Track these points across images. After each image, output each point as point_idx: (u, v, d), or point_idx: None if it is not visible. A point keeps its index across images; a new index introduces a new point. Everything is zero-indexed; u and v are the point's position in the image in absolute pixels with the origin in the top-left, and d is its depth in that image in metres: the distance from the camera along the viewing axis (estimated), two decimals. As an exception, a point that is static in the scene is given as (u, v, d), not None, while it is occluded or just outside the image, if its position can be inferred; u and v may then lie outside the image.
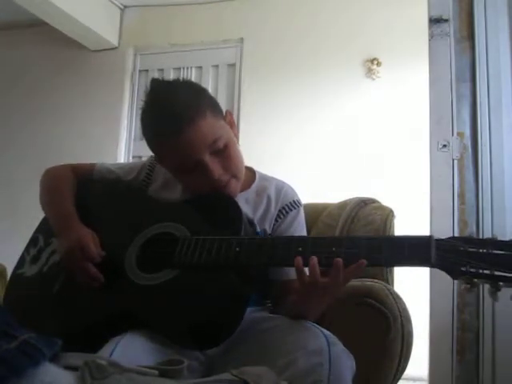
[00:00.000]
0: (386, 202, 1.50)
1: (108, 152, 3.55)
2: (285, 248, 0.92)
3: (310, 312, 0.98)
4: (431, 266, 0.82)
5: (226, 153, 1.07)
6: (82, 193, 1.21)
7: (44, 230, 1.22)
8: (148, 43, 3.75)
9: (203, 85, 1.19)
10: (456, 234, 1.71)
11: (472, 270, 0.78)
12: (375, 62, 3.23)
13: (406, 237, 0.87)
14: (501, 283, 0.77)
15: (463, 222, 1.76)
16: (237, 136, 1.15)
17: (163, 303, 0.95)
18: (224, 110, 1.14)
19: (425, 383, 1.82)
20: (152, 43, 3.74)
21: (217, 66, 3.61)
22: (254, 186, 1.19)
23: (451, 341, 1.70)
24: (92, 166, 1.27)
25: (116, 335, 0.88)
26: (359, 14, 3.30)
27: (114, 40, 3.74)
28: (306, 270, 0.90)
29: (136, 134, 3.63)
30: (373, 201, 1.49)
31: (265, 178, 1.23)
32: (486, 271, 0.78)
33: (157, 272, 0.98)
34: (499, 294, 0.78)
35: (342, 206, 1.49)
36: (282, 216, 1.15)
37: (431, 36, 1.91)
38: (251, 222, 1.09)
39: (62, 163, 1.29)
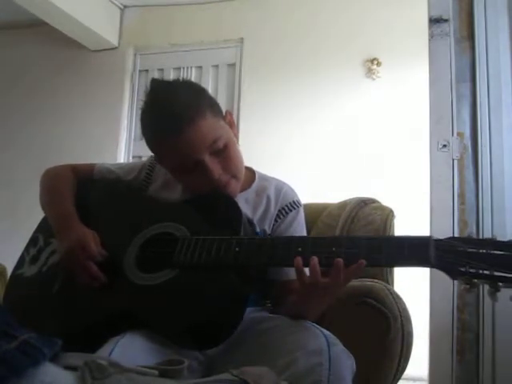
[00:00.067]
0: (386, 202, 1.50)
1: (108, 152, 3.55)
2: (284, 248, 0.92)
3: (310, 312, 0.99)
4: (430, 266, 0.82)
5: (225, 153, 1.07)
6: (82, 193, 1.21)
7: (44, 230, 1.22)
8: (148, 43, 3.75)
9: (203, 85, 1.20)
10: (456, 234, 1.71)
11: (471, 270, 0.78)
12: (375, 62, 3.23)
13: (406, 237, 0.88)
14: (500, 284, 0.77)
15: (463, 222, 1.77)
16: (236, 136, 1.15)
17: (163, 303, 0.95)
18: (224, 110, 1.14)
19: (425, 383, 1.82)
20: (152, 43, 3.74)
21: (217, 66, 3.61)
22: (253, 186, 1.19)
23: (451, 341, 1.70)
24: (92, 166, 1.27)
25: (116, 335, 0.88)
26: (359, 14, 3.30)
27: (114, 40, 3.74)
28: (306, 270, 0.90)
29: (136, 133, 3.63)
30: (373, 201, 1.49)
31: (264, 178, 1.23)
32: (485, 271, 0.78)
33: (156, 272, 0.98)
34: (499, 294, 0.78)
35: (342, 206, 1.49)
36: (281, 216, 1.15)
37: (431, 36, 1.91)
38: (251, 222, 1.09)
39: (62, 163, 1.29)
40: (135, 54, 3.78)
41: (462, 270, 0.79)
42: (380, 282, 1.21)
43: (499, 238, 0.80)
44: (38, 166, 1.46)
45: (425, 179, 1.88)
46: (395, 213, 1.42)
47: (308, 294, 0.94)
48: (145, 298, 0.97)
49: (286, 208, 1.16)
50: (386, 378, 1.16)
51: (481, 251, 0.79)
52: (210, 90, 3.24)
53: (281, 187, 1.20)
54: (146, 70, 3.74)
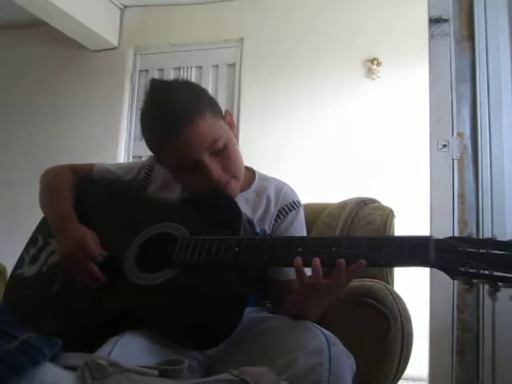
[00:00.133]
0: (386, 202, 1.50)
1: (108, 152, 3.55)
2: (284, 248, 0.92)
3: (311, 312, 0.99)
4: (430, 265, 0.82)
5: (225, 153, 1.07)
6: (81, 193, 1.21)
7: (43, 230, 1.22)
8: (148, 43, 3.75)
9: (203, 85, 1.20)
10: (456, 234, 1.71)
11: (471, 270, 0.78)
12: (375, 62, 3.23)
13: (406, 237, 0.88)
14: (500, 283, 0.77)
15: (463, 222, 1.77)
16: (236, 136, 1.15)
17: (162, 303, 0.95)
18: (224, 110, 1.14)
19: (425, 383, 1.82)
20: (152, 43, 3.74)
21: (217, 66, 3.61)
22: (253, 186, 1.19)
23: (451, 341, 1.70)
24: (91, 166, 1.27)
25: (116, 335, 0.88)
26: (359, 14, 3.30)
27: (114, 40, 3.74)
28: (306, 270, 0.90)
29: (136, 134, 3.63)
30: (373, 201, 1.49)
31: (264, 178, 1.23)
32: (485, 271, 0.77)
33: (156, 272, 0.98)
34: (499, 294, 0.78)
35: (342, 206, 1.49)
36: (281, 216, 1.15)
37: (431, 36, 1.91)
38: (250, 223, 1.09)
39: (61, 163, 1.29)
40: (135, 54, 3.78)
41: (462, 269, 0.79)
42: (380, 282, 1.21)
43: (499, 238, 0.80)
44: (37, 165, 1.46)
45: (425, 179, 1.88)
46: (395, 213, 1.42)
47: (308, 294, 0.93)
48: (144, 298, 0.97)
49: (286, 208, 1.16)
50: (385, 378, 1.16)
51: (481, 251, 0.79)
52: (210, 90, 3.24)
53: (281, 187, 1.20)
54: (146, 70, 3.74)
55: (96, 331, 0.94)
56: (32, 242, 1.23)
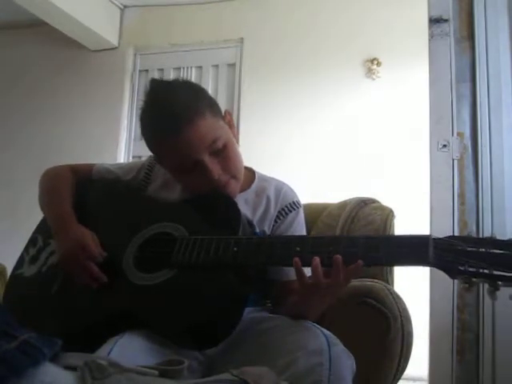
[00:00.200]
0: (386, 202, 1.50)
1: (108, 152, 3.55)
2: (283, 248, 0.92)
3: (311, 312, 0.98)
4: (429, 265, 0.82)
5: (225, 153, 1.07)
6: (81, 193, 1.21)
7: (43, 231, 1.22)
8: (148, 43, 3.75)
9: (203, 85, 1.20)
10: (456, 234, 1.71)
11: (471, 269, 0.78)
12: (375, 62, 3.23)
13: (404, 236, 0.88)
14: (500, 283, 0.77)
15: (463, 222, 1.77)
16: (236, 136, 1.15)
17: (161, 303, 0.95)
18: (223, 110, 1.14)
19: (425, 383, 1.82)
20: (152, 43, 3.74)
21: (217, 66, 3.61)
22: (253, 186, 1.19)
23: (451, 341, 1.70)
24: (91, 166, 1.27)
25: (115, 335, 0.88)
26: (359, 14, 3.30)
27: (114, 40, 3.74)
28: (306, 269, 0.90)
29: (136, 134, 3.63)
30: (373, 201, 1.49)
31: (264, 178, 1.22)
32: (484, 270, 0.77)
33: (155, 272, 0.98)
34: (499, 293, 0.78)
35: (342, 206, 1.49)
36: (281, 217, 1.15)
37: (431, 36, 1.91)
38: (250, 223, 1.09)
39: (61, 163, 1.29)
40: (135, 54, 3.78)
41: (461, 268, 0.79)
42: (380, 282, 1.21)
43: (498, 237, 0.80)
44: (37, 165, 1.46)
45: (425, 179, 1.88)
46: (395, 213, 1.42)
47: (308, 294, 0.93)
48: (144, 298, 0.97)
49: (286, 209, 1.16)
50: (385, 378, 1.16)
51: (480, 250, 0.79)
52: (210, 90, 3.25)
53: (280, 188, 1.20)
54: (146, 70, 3.74)
55: (96, 331, 0.94)
56: (32, 242, 1.23)
